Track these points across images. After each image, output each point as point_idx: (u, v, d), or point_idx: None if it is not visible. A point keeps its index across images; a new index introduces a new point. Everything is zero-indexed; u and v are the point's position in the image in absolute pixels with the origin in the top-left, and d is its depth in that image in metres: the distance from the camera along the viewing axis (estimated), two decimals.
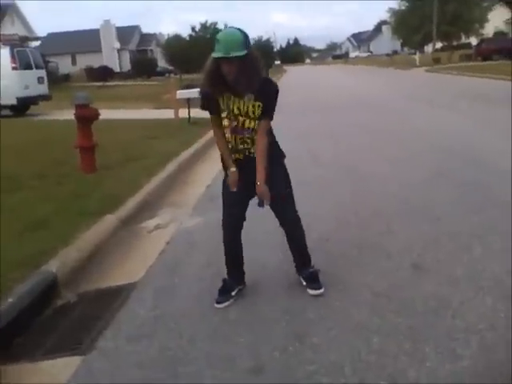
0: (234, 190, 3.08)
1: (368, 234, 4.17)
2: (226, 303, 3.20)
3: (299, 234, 3.33)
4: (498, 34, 50.86)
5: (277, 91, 3.02)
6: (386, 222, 4.43)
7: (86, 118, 6.29)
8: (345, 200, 5.21)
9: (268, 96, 2.98)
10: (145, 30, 63.60)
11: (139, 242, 4.56)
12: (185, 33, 28.77)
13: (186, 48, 26.05)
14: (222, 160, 3.19)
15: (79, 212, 4.95)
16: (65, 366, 2.73)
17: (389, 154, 7.41)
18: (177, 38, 28.52)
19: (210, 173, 7.04)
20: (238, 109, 2.97)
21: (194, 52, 25.02)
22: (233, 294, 3.27)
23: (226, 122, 3.02)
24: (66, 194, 5.61)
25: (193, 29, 26.81)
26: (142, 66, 46.17)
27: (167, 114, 12.64)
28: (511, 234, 3.83)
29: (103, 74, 40.42)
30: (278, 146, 3.23)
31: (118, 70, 50.49)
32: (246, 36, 2.83)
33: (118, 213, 5.07)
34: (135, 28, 61.44)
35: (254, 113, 2.97)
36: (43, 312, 3.36)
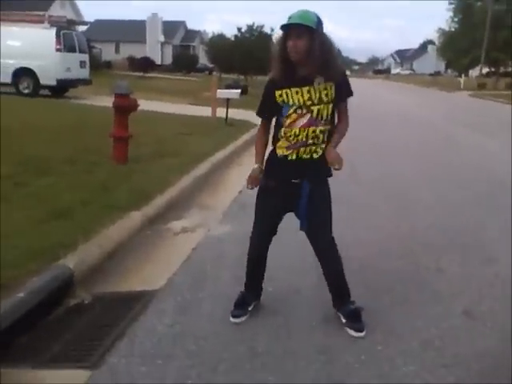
0: (250, 187, 2.88)
1: (414, 269, 3.78)
2: (243, 318, 2.99)
3: (336, 261, 2.96)
4: None
5: (345, 71, 2.89)
6: (433, 256, 4.04)
7: (125, 108, 6.05)
8: (386, 225, 4.83)
9: (340, 76, 2.75)
10: (190, 26, 64.05)
11: (164, 244, 4.27)
12: (228, 33, 28.64)
13: (230, 48, 25.88)
14: (269, 163, 2.90)
15: (105, 204, 4.70)
16: (68, 379, 2.45)
17: (436, 178, 6.97)
18: (221, 37, 28.39)
19: (243, 178, 6.65)
20: (310, 99, 2.68)
21: (238, 53, 24.83)
22: (249, 308, 3.05)
23: (294, 117, 2.72)
24: (95, 183, 5.37)
25: (239, 29, 26.62)
26: (183, 61, 46.34)
27: (204, 111, 12.41)
28: None
29: (144, 64, 40.54)
30: None
31: (159, 62, 50.80)
32: (319, 19, 2.61)
33: (145, 210, 4.80)
34: (181, 23, 61.89)
35: (327, 95, 2.69)
36: (54, 311, 3.11)
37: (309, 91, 2.67)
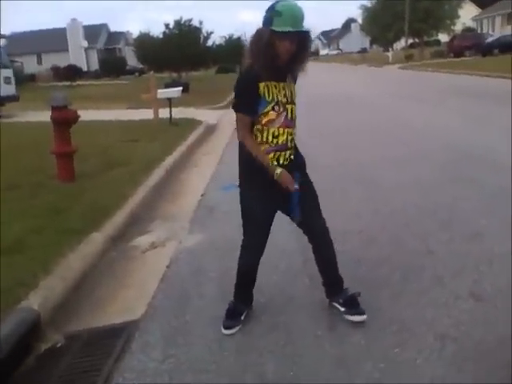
0: (294, 188, 2.54)
1: (405, 255, 3.60)
2: (236, 328, 2.80)
3: (331, 245, 2.84)
4: (466, 31, 51.44)
5: None
6: (419, 238, 3.87)
7: (64, 121, 5.56)
8: (363, 211, 4.64)
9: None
10: (113, 28, 62.26)
11: (133, 265, 3.91)
12: (154, 31, 27.84)
13: (159, 46, 25.14)
14: (250, 165, 2.59)
15: (60, 229, 4.28)
16: None
17: (394, 155, 6.88)
18: (148, 36, 27.56)
19: (201, 180, 6.43)
20: (285, 96, 2.51)
21: (168, 50, 24.14)
22: (241, 318, 2.86)
23: (272, 115, 2.51)
24: (43, 207, 4.90)
25: (166, 26, 25.87)
26: (111, 65, 45.00)
27: (145, 114, 11.92)
28: None
29: (71, 73, 39.02)
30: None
31: (85, 69, 49.15)
32: None
33: (105, 229, 4.41)
34: (103, 26, 60.07)
35: (294, 96, 2.59)
36: (24, 361, 2.72)
37: (284, 88, 2.53)
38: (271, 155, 2.55)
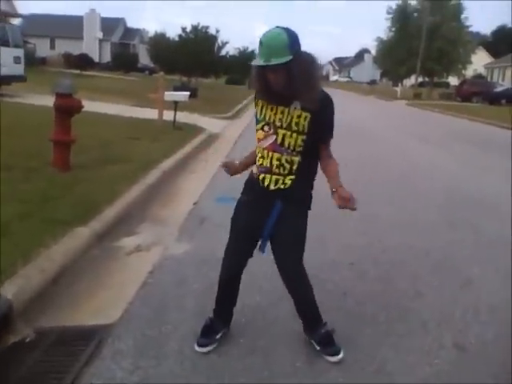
0: (224, 168, 2.74)
1: (393, 293, 3.52)
2: (210, 347, 2.69)
3: (305, 289, 2.69)
4: (476, 77, 51.99)
5: (332, 107, 2.46)
6: (409, 278, 3.80)
7: (67, 109, 5.48)
8: (356, 243, 4.56)
9: (323, 110, 2.41)
10: (129, 24, 62.49)
11: (115, 266, 3.81)
12: (169, 33, 27.98)
13: (174, 48, 25.19)
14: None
15: (47, 218, 4.19)
16: None
17: (398, 195, 6.78)
18: (164, 37, 27.63)
19: (196, 188, 6.34)
20: (280, 120, 2.41)
21: (182, 53, 24.19)
22: (217, 337, 2.73)
23: (260, 135, 2.48)
24: (34, 193, 4.80)
25: (183, 29, 25.96)
26: (123, 60, 44.98)
27: (149, 113, 11.86)
28: None
29: (82, 62, 39.03)
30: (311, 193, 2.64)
31: (97, 60, 49.19)
32: (293, 37, 2.27)
33: (92, 225, 4.32)
34: (120, 20, 60.29)
35: (297, 125, 2.39)
36: None
37: (282, 112, 2.42)
38: (259, 171, 2.52)
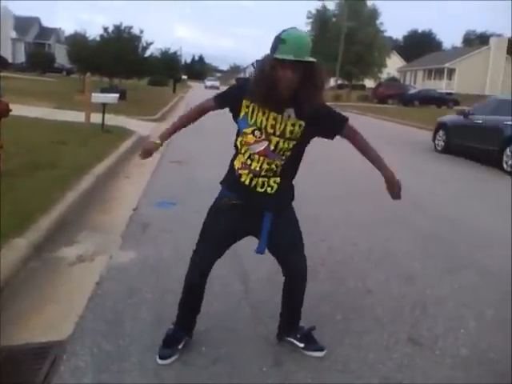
0: (142, 158, 2.67)
1: (344, 292, 3.60)
2: (172, 358, 2.61)
3: (303, 289, 2.77)
4: (390, 80, 54.54)
5: (330, 108, 2.52)
6: (357, 276, 3.90)
7: None
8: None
9: (321, 117, 2.42)
10: (45, 23, 59.80)
11: (59, 278, 3.61)
12: (89, 33, 26.91)
13: (95, 48, 24.31)
14: (231, 179, 2.55)
15: None
16: None
17: (332, 193, 6.99)
18: (84, 37, 26.60)
19: (134, 193, 6.17)
20: (273, 127, 2.38)
21: (104, 54, 23.40)
22: (179, 347, 2.66)
23: (250, 139, 2.42)
24: None
25: (105, 29, 25.13)
26: (38, 60, 42.83)
27: (75, 116, 11.40)
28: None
29: None
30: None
31: (10, 60, 46.62)
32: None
33: (29, 235, 4.08)
34: (35, 20, 57.52)
35: (291, 133, 2.39)
36: None
37: (275, 119, 2.38)
38: (246, 171, 2.46)
